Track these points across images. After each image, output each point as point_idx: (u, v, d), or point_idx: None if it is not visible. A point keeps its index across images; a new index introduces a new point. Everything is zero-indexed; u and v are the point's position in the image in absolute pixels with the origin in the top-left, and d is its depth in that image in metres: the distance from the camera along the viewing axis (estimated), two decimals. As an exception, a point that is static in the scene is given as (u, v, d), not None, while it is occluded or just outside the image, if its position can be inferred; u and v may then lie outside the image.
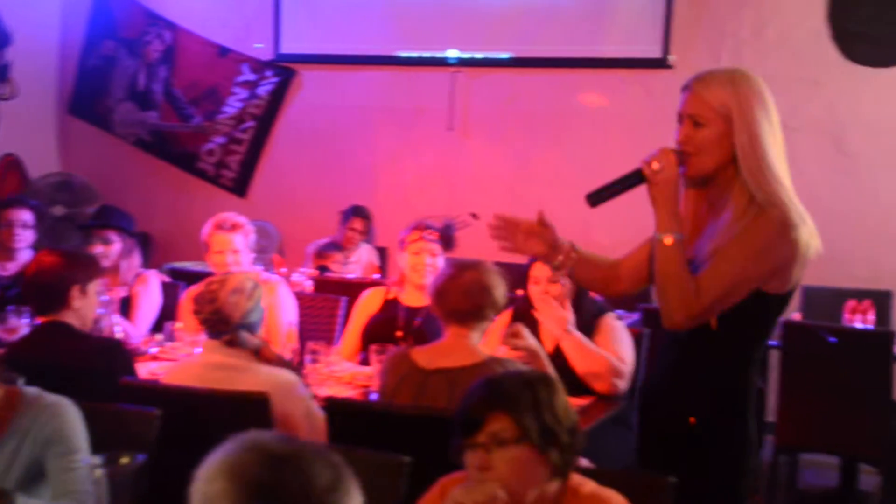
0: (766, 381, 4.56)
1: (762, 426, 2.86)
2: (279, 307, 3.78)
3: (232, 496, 1.15)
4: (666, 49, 5.69)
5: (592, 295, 3.51)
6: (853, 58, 5.35)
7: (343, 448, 2.06)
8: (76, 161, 7.19)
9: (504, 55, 6.09)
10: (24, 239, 4.49)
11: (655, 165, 2.09)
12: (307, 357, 3.28)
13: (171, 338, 3.69)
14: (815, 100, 5.35)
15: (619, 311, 3.82)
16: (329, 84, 6.56)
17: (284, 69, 6.62)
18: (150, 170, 7.02)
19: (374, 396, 3.05)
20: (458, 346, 2.73)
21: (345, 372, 3.40)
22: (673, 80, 5.63)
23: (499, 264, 2.88)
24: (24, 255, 4.43)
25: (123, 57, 7.05)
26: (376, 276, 5.43)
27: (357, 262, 5.63)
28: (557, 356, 3.21)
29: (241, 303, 2.78)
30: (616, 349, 3.26)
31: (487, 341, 3.04)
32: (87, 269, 3.02)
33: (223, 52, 6.74)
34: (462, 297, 2.73)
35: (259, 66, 6.66)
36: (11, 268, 4.43)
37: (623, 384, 3.23)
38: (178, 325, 3.72)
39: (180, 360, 3.28)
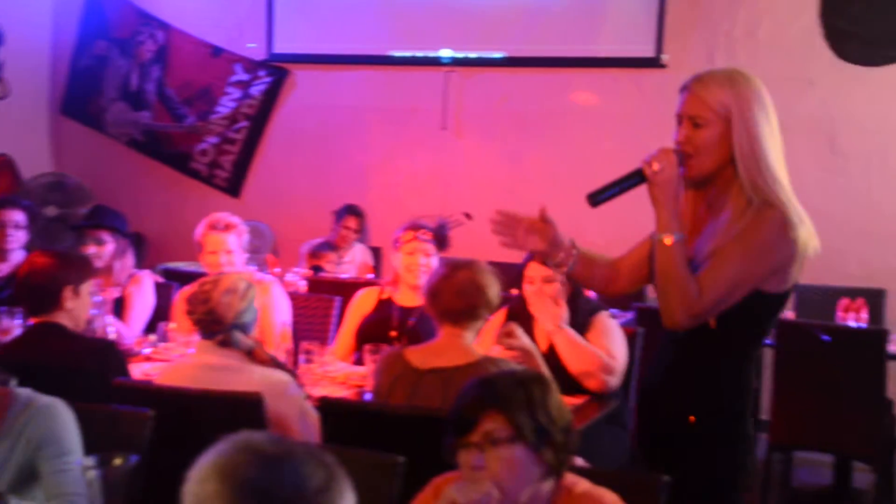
0: (759, 379, 4.56)
1: (756, 424, 2.87)
2: (273, 307, 3.78)
3: (224, 497, 1.15)
4: (659, 48, 5.70)
5: (587, 294, 3.52)
6: (846, 57, 5.36)
7: (337, 448, 2.06)
8: (69, 161, 7.17)
9: (497, 55, 6.09)
10: (17, 240, 4.47)
11: (656, 166, 2.09)
12: (301, 357, 3.27)
13: (164, 338, 3.68)
14: (807, 99, 5.36)
15: (614, 310, 3.82)
16: (322, 84, 6.55)
17: (277, 69, 6.62)
18: (143, 170, 7.01)
19: (368, 396, 3.05)
20: (452, 346, 2.73)
21: (339, 372, 3.40)
22: (666, 80, 5.69)
23: (493, 264, 2.88)
24: (17, 256, 4.41)
25: (116, 57, 7.04)
26: (370, 275, 5.43)
27: (351, 262, 5.63)
28: (551, 355, 3.21)
29: (234, 303, 2.77)
30: (607, 346, 3.26)
31: (481, 341, 3.04)
32: (80, 269, 3.01)
33: (216, 51, 6.73)
34: (456, 297, 2.73)
35: (252, 65, 6.66)
36: (4, 269, 4.41)
37: (614, 381, 3.23)
38: (172, 325, 3.71)
39: (174, 360, 3.27)
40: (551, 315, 3.27)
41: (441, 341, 2.77)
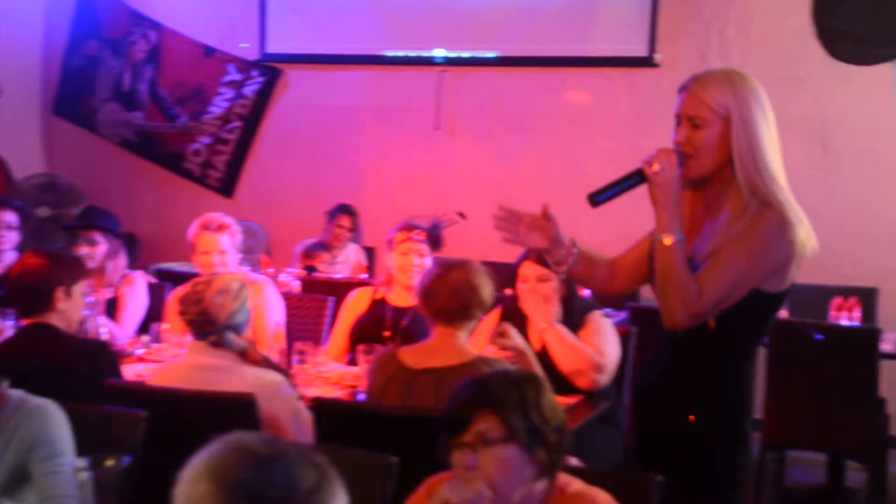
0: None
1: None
2: (266, 308, 3.77)
3: (216, 498, 1.15)
4: (652, 48, 5.71)
5: (581, 293, 3.52)
6: (838, 56, 5.37)
7: (330, 448, 2.06)
8: (61, 162, 7.15)
9: (490, 54, 6.09)
10: (9, 240, 4.46)
11: (657, 166, 2.09)
12: (295, 357, 3.27)
13: (157, 339, 3.67)
14: (799, 98, 5.37)
15: (608, 310, 3.82)
16: (315, 84, 6.54)
17: (270, 69, 6.61)
18: (135, 170, 6.99)
19: (361, 397, 3.05)
20: (446, 346, 2.73)
21: (332, 372, 3.39)
22: (659, 79, 5.71)
23: (486, 263, 2.88)
24: (9, 257, 4.40)
25: (108, 57, 7.02)
26: (364, 276, 5.43)
27: (344, 262, 5.63)
28: (545, 355, 3.21)
29: (226, 303, 2.77)
30: (598, 345, 3.27)
31: (475, 341, 3.04)
32: (72, 270, 3.00)
33: (209, 51, 6.72)
34: (449, 297, 2.73)
35: (245, 65, 6.65)
36: (-5, 270, 4.40)
37: (604, 379, 3.23)
38: (165, 326, 3.70)
39: (166, 361, 3.27)
40: (542, 312, 3.27)
41: (434, 341, 2.77)
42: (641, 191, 2.16)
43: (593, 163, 5.74)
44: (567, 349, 3.22)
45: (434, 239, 3.80)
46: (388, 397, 2.71)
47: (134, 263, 4.77)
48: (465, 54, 6.13)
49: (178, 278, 4.24)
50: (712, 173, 2.14)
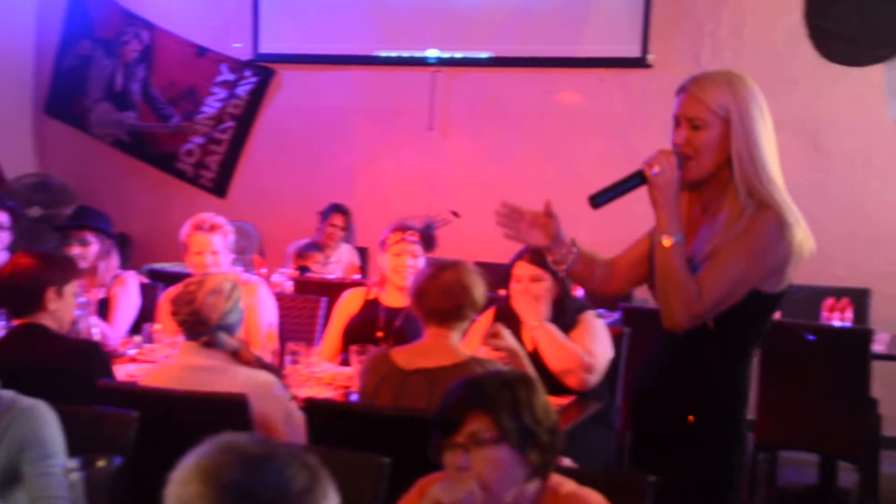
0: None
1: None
2: (259, 308, 3.76)
3: (207, 498, 1.14)
4: (645, 48, 5.71)
5: (574, 294, 3.52)
6: (830, 57, 5.38)
7: (323, 449, 2.05)
8: (53, 162, 7.13)
9: (484, 55, 6.09)
10: (0, 240, 4.45)
11: (657, 168, 2.10)
12: (287, 358, 3.26)
13: (149, 339, 3.67)
14: (791, 99, 5.38)
15: (601, 310, 3.83)
16: (309, 84, 6.54)
17: (263, 69, 6.60)
18: (128, 170, 6.98)
19: (354, 397, 3.05)
20: (438, 347, 2.73)
21: (325, 373, 3.39)
22: (652, 80, 5.72)
23: (479, 264, 2.88)
24: (0, 257, 4.39)
25: (100, 57, 7.00)
26: (357, 276, 5.42)
27: (337, 263, 5.62)
28: (537, 356, 3.21)
29: (219, 304, 2.76)
30: (589, 344, 3.26)
31: (468, 341, 3.04)
32: (64, 270, 2.99)
33: (201, 51, 6.71)
34: (441, 298, 2.72)
35: (238, 65, 6.63)
36: (-13, 270, 4.38)
37: (593, 379, 3.23)
38: (157, 326, 3.70)
39: (158, 361, 3.26)
40: (532, 311, 3.27)
41: (427, 342, 2.77)
42: (638, 192, 2.17)
43: (586, 163, 5.75)
44: (556, 348, 3.22)
45: (427, 240, 3.80)
46: (380, 398, 2.71)
47: (126, 264, 4.76)
48: (459, 55, 6.13)
49: (171, 278, 4.23)
50: (711, 175, 2.14)
